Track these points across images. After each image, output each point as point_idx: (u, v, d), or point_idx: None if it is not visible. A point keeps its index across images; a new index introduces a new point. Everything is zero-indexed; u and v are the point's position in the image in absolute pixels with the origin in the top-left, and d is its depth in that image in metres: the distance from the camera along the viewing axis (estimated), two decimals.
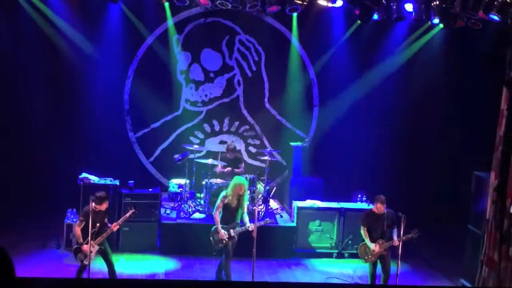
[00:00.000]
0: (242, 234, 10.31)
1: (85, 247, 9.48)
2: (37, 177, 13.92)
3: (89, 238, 9.38)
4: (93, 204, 9.48)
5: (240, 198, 10.28)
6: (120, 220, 9.95)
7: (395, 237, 10.09)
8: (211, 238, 10.38)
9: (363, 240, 10.38)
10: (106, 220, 9.71)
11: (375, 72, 14.96)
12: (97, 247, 9.56)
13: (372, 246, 10.18)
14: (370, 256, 10.25)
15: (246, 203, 10.47)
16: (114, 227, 9.70)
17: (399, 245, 9.95)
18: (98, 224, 9.46)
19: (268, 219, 10.69)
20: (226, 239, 10.22)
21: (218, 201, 10.37)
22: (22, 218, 12.98)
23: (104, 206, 9.58)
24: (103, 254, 9.77)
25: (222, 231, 10.22)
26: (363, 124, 15.27)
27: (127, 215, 9.93)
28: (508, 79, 10.08)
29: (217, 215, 10.31)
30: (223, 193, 10.46)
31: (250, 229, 10.10)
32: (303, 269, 11.89)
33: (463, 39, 14.19)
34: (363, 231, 10.35)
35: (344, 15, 14.46)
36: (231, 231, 10.23)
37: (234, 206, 10.29)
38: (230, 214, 10.32)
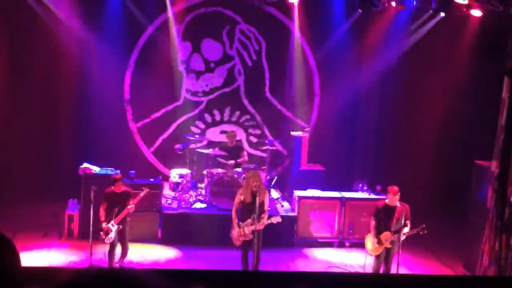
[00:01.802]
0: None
1: (105, 226, 10.07)
2: (38, 167, 13.95)
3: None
4: (112, 186, 10.21)
5: (255, 193, 9.88)
6: (135, 200, 10.32)
7: (402, 232, 9.95)
8: (230, 235, 10.26)
9: (369, 231, 10.33)
10: (130, 201, 10.23)
11: (376, 60, 14.92)
12: (116, 226, 10.13)
13: (374, 240, 10.11)
14: (375, 248, 10.17)
15: (266, 201, 10.12)
16: (130, 208, 10.20)
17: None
18: (117, 206, 10.11)
19: (279, 217, 10.37)
20: (242, 237, 10.06)
21: (236, 198, 10.27)
22: (23, 208, 12.99)
23: (119, 188, 10.19)
24: (120, 234, 10.28)
25: (237, 228, 10.08)
26: (365, 113, 15.26)
27: (141, 194, 10.50)
28: (509, 68, 10.06)
29: (233, 211, 10.17)
30: (240, 190, 10.37)
31: (259, 226, 9.91)
32: (304, 258, 11.92)
33: (464, 28, 14.15)
34: (372, 224, 10.24)
35: (344, 3, 14.42)
36: (245, 228, 10.00)
37: (249, 202, 9.99)
38: (246, 210, 10.07)
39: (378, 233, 10.11)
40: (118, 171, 12.18)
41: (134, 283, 1.91)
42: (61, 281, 1.93)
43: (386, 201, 10.20)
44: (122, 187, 10.32)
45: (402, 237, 9.95)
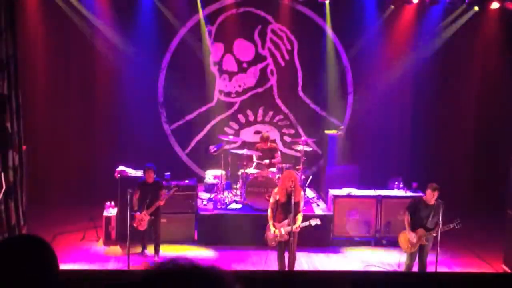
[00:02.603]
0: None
1: (138, 214, 10.73)
2: (75, 171, 14.14)
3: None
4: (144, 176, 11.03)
5: (290, 192, 9.70)
6: (165, 196, 10.93)
7: (437, 228, 9.80)
8: (265, 236, 10.20)
9: (404, 228, 10.18)
10: (162, 192, 10.95)
11: (409, 57, 14.79)
12: (148, 217, 10.80)
13: (411, 235, 9.96)
14: (409, 246, 10.05)
15: (301, 201, 10.00)
16: (161, 201, 10.86)
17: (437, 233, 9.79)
18: (150, 195, 10.79)
19: (318, 219, 10.22)
20: (278, 238, 9.98)
21: (271, 198, 10.22)
22: (61, 211, 13.18)
23: (150, 177, 10.87)
24: (153, 223, 10.94)
25: (272, 229, 9.99)
26: (398, 110, 15.13)
27: (171, 192, 11.03)
28: None
29: (269, 211, 10.07)
30: (275, 190, 10.32)
31: (295, 229, 9.78)
32: (341, 257, 11.86)
33: (499, 21, 13.94)
34: (406, 218, 10.09)
35: (377, 0, 14.32)
36: (282, 229, 9.89)
37: (284, 202, 9.85)
38: (281, 210, 9.96)
39: (412, 229, 9.98)
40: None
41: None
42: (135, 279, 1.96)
43: (424, 197, 10.05)
44: (153, 176, 10.93)
45: (437, 234, 9.80)
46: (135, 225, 10.70)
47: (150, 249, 11.12)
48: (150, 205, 10.81)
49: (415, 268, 10.16)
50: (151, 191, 10.87)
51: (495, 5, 12.89)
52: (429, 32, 14.72)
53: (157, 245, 11.03)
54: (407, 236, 10.05)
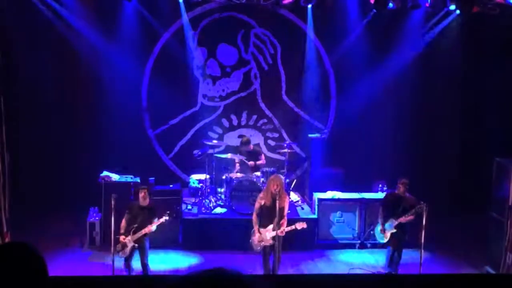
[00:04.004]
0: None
1: (121, 238, 9.82)
2: (59, 176, 14.02)
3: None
4: (137, 198, 9.98)
5: (275, 197, 9.71)
6: (154, 223, 9.90)
7: (404, 216, 10.37)
8: (250, 240, 10.23)
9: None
10: (154, 219, 9.85)
11: (392, 61, 14.87)
12: (131, 243, 9.78)
13: (380, 226, 10.62)
14: (383, 234, 10.59)
15: (285, 206, 9.98)
16: (148, 228, 9.80)
17: (405, 222, 10.37)
18: (139, 220, 9.79)
19: (304, 223, 10.23)
20: (262, 243, 10.00)
21: (256, 203, 10.22)
22: (44, 217, 13.08)
23: (141, 197, 9.84)
24: (140, 253, 9.95)
25: (257, 234, 10.03)
26: (382, 113, 15.19)
27: (161, 220, 9.96)
28: None
29: (254, 216, 10.11)
30: (260, 194, 10.33)
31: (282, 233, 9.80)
32: (326, 260, 11.89)
33: (480, 25, 14.07)
34: (380, 211, 10.79)
35: (359, 4, 14.38)
36: (266, 234, 9.92)
37: (269, 206, 9.88)
38: (266, 215, 9.97)
39: (384, 221, 10.57)
40: (137, 179, 12.24)
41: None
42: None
43: (396, 191, 10.66)
44: (148, 200, 9.99)
45: (403, 220, 10.36)
46: (118, 249, 9.87)
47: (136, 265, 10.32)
48: (136, 231, 9.82)
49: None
50: (141, 216, 9.91)
51: (476, 9, 12.99)
52: (412, 35, 14.80)
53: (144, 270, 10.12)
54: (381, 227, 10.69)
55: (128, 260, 9.92)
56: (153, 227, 9.85)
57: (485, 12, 12.36)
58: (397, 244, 10.52)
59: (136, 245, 9.85)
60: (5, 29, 13.00)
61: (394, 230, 10.44)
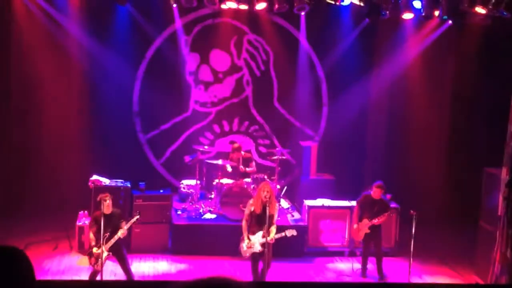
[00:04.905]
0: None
1: (96, 252, 9.51)
2: (48, 180, 13.96)
3: (93, 244, 9.42)
4: (100, 208, 9.43)
5: (265, 204, 9.74)
6: (126, 226, 9.72)
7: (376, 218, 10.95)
8: (239, 247, 10.23)
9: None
10: (122, 224, 9.64)
11: (384, 69, 14.92)
12: (106, 253, 9.48)
13: (356, 225, 11.19)
14: (357, 232, 11.19)
15: (275, 213, 10.03)
16: (121, 233, 9.56)
17: (377, 224, 11.00)
18: (109, 229, 9.45)
19: (294, 230, 10.27)
20: (252, 249, 10.00)
21: (246, 209, 10.23)
22: (33, 221, 13.01)
23: (107, 205, 9.47)
24: (118, 260, 9.82)
25: (246, 241, 10.03)
26: (373, 122, 15.24)
27: (132, 220, 9.87)
28: None
29: (244, 223, 10.12)
30: (250, 201, 10.33)
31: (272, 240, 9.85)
32: (315, 268, 11.88)
33: (472, 35, 14.13)
34: (354, 210, 11.41)
35: (352, 13, 14.43)
36: (256, 241, 9.92)
37: (259, 213, 9.90)
38: (256, 222, 9.99)
39: (359, 220, 11.17)
40: (128, 183, 12.21)
41: None
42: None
43: (371, 193, 11.13)
44: (111, 207, 9.64)
45: (373, 222, 10.94)
46: (92, 262, 9.55)
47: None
48: (109, 238, 9.44)
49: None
50: (109, 224, 9.49)
51: (469, 20, 13.06)
52: (404, 44, 14.86)
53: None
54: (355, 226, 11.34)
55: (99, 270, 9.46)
56: (125, 231, 9.61)
57: (477, 23, 12.42)
58: (375, 243, 11.17)
59: (111, 253, 9.59)
60: None
61: (368, 231, 11.03)
